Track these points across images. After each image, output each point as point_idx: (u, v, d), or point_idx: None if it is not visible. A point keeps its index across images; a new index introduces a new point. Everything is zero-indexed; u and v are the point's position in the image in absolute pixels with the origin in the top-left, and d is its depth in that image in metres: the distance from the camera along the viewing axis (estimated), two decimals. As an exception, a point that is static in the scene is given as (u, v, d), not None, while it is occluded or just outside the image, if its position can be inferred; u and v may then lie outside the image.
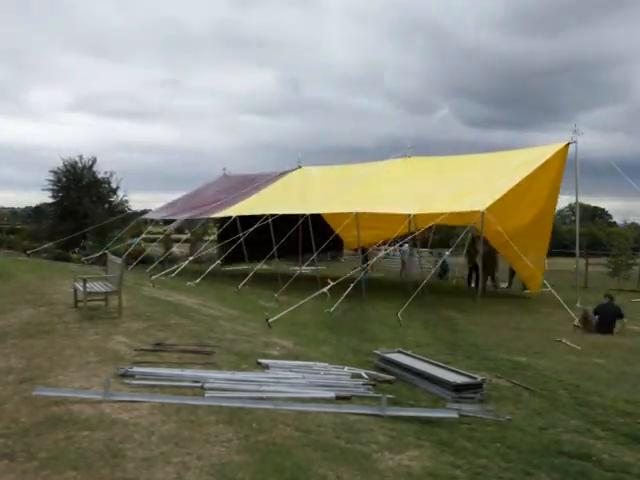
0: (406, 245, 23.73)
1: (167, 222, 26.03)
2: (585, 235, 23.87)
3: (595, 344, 10.72)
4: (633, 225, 29.75)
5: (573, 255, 18.90)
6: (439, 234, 28.67)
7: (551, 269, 22.29)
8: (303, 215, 18.52)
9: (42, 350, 7.20)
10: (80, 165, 31.90)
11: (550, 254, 23.32)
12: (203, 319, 10.56)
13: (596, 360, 9.27)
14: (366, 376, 6.99)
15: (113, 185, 32.44)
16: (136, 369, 6.35)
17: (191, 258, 20.33)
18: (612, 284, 22.44)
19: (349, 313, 13.31)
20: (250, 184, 23.55)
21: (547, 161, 16.19)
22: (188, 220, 23.98)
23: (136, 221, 26.24)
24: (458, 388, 6.41)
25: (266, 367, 7.03)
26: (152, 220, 25.56)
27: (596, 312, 12.56)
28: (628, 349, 10.37)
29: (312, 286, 14.46)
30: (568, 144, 16.59)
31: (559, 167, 16.96)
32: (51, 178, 31.32)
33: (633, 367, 8.87)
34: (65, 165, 31.54)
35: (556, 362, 8.97)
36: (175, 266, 18.89)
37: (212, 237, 25.64)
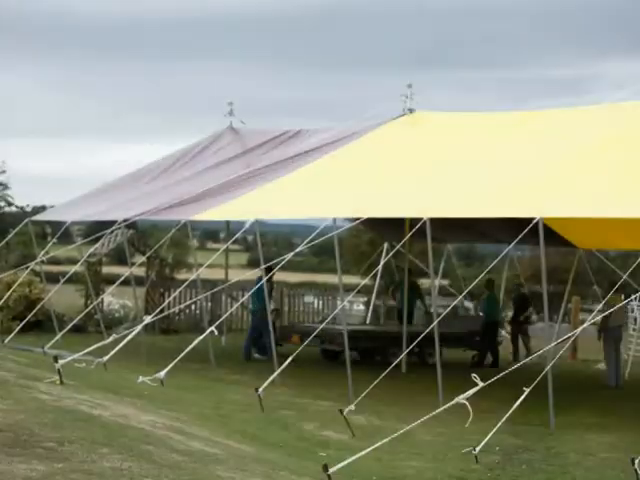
0: None
1: (91, 233, 13.59)
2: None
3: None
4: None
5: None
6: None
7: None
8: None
9: None
10: None
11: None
12: (177, 463, 4.80)
13: None
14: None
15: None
16: None
17: (148, 319, 10.16)
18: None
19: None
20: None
21: None
22: (137, 229, 13.59)
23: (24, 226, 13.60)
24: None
25: None
26: (58, 226, 13.26)
27: None
28: None
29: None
30: None
31: None
32: None
33: None
34: None
35: None
36: (111, 336, 8.83)
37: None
